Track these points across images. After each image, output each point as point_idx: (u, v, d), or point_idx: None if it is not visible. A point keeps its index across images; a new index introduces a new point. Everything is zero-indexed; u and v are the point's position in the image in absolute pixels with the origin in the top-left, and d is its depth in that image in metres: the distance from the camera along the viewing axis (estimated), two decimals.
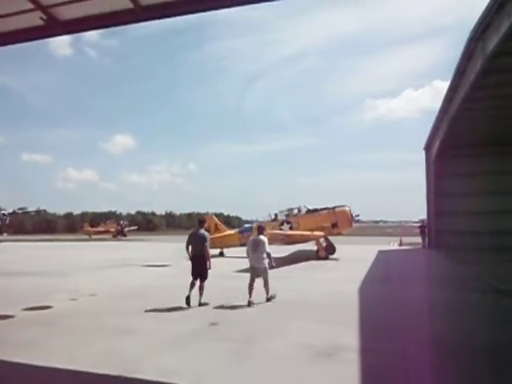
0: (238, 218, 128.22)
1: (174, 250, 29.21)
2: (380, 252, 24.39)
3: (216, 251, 21.93)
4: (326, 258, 20.48)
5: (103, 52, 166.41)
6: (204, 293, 9.73)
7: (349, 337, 6.90)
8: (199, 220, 10.71)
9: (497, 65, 15.17)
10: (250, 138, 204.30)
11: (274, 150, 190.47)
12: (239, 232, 23.64)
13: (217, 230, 24.38)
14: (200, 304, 9.56)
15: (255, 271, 9.93)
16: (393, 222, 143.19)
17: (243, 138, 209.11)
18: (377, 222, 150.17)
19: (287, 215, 22.70)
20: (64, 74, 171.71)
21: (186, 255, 10.00)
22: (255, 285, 9.94)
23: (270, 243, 10.16)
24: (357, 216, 22.54)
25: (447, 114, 21.27)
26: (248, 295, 9.68)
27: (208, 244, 9.84)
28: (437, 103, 22.66)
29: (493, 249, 22.29)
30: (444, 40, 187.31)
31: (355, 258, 21.19)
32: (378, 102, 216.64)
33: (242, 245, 22.38)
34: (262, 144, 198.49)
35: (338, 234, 22.16)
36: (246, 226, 25.37)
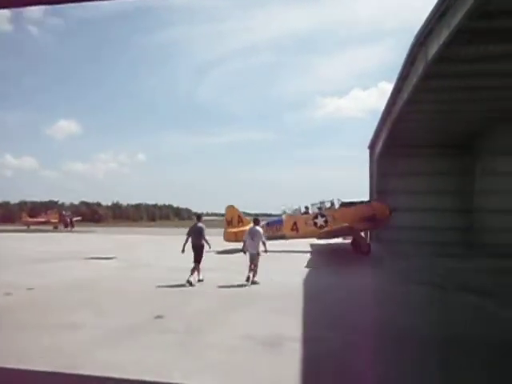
0: (188, 210, 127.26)
1: (120, 242, 28.59)
2: (312, 245, 25.03)
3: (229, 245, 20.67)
4: (369, 253, 19.58)
5: (46, 30, 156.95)
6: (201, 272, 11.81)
7: (293, 327, 7.13)
8: (197, 215, 13.17)
9: (437, 70, 16.06)
10: (204, 130, 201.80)
11: (228, 142, 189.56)
12: (266, 224, 21.96)
13: (240, 222, 22.42)
14: (199, 280, 11.69)
15: (250, 256, 11.88)
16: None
17: (196, 129, 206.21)
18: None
19: (319, 208, 22.08)
20: (1, 51, 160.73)
21: (181, 248, 11.77)
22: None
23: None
24: (394, 210, 21.38)
25: (390, 115, 22.20)
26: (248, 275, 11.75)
27: (205, 234, 11.92)
28: (382, 104, 23.63)
29: (428, 243, 23.69)
30: (390, 43, 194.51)
31: (298, 252, 21.70)
32: (328, 100, 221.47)
33: (270, 238, 20.78)
34: (215, 136, 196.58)
35: (376, 227, 21.27)
36: (274, 219, 24.11)
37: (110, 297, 9.83)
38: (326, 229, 20.88)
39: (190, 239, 11.94)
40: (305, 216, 21.91)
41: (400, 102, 19.71)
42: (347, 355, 5.85)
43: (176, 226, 51.39)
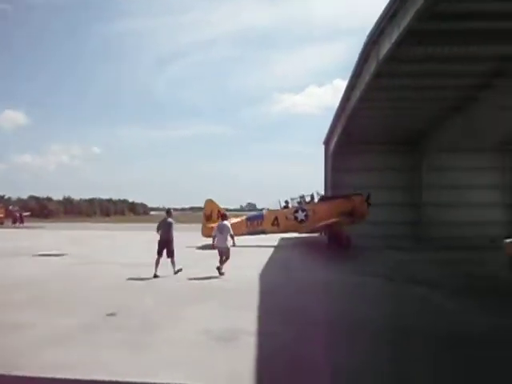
0: (144, 205, 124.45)
1: (72, 238, 27.55)
2: (282, 239, 25.43)
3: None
4: (349, 247, 19.73)
5: None
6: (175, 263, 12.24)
7: (248, 321, 7.19)
8: (167, 210, 13.39)
9: (388, 69, 16.59)
10: (163, 123, 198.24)
11: (188, 136, 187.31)
12: (247, 219, 22.02)
13: (220, 216, 22.64)
14: (175, 272, 12.08)
15: (220, 249, 12.42)
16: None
17: (155, 123, 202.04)
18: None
19: (299, 202, 22.07)
20: None
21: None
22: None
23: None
24: (368, 204, 21.73)
25: (345, 112, 22.73)
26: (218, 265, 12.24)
27: (173, 229, 12.46)
28: (337, 101, 24.14)
29: (380, 237, 24.53)
30: (346, 42, 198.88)
31: (258, 246, 21.84)
32: (285, 96, 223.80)
33: (250, 233, 21.64)
34: (173, 130, 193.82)
35: (355, 222, 21.22)
36: (254, 213, 23.98)
37: (60, 295, 9.48)
38: (306, 223, 21.00)
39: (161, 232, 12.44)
40: (285, 210, 21.89)
41: (353, 99, 20.21)
42: (301, 348, 5.96)
43: (131, 222, 50.24)
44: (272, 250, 19.82)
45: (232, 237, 12.61)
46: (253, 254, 17.80)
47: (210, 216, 21.49)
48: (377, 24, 14.41)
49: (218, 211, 21.25)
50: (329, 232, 21.86)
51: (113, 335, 6.47)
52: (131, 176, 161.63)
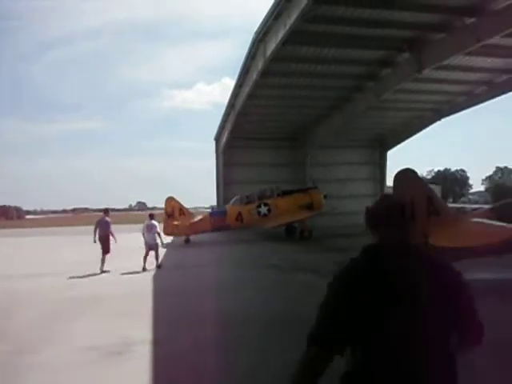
0: (18, 208, 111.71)
1: None
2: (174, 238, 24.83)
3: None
4: (310, 238, 20.86)
5: None
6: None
7: (142, 329, 6.75)
8: (105, 210, 14.33)
9: (275, 68, 17.12)
10: (37, 115, 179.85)
11: (65, 130, 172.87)
12: (210, 215, 21.01)
13: (182, 214, 21.13)
14: (102, 271, 12.68)
15: (149, 246, 13.32)
16: (187, 208, 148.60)
17: (32, 115, 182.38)
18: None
19: (260, 197, 21.73)
20: None
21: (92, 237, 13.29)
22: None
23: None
24: (324, 197, 22.58)
25: (234, 109, 23.00)
26: (143, 263, 13.02)
27: (111, 228, 13.32)
28: (226, 98, 24.28)
29: (267, 230, 25.34)
30: (233, 40, 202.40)
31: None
32: (174, 92, 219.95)
33: (215, 230, 20.96)
34: (51, 123, 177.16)
35: (312, 215, 21.75)
36: (218, 209, 22.89)
37: None
38: (269, 217, 21.07)
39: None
40: (249, 206, 21.55)
41: (242, 96, 20.51)
42: (201, 353, 5.75)
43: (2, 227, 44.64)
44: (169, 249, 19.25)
45: (159, 234, 13.66)
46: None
47: (172, 214, 21.21)
48: (263, 23, 14.73)
49: (180, 209, 21.33)
50: (287, 225, 22.36)
51: None
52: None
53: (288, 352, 5.43)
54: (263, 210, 21.46)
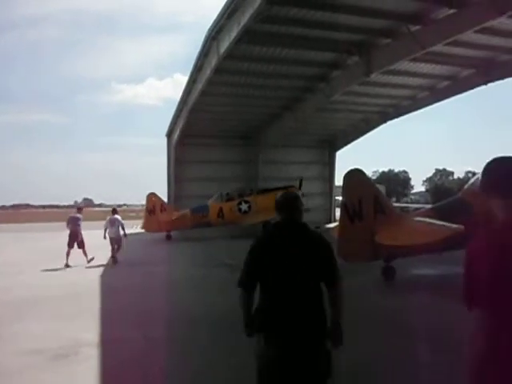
0: None
1: None
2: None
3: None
4: None
5: None
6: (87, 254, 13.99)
7: (89, 330, 6.52)
8: (77, 207, 15.86)
9: (228, 66, 17.09)
10: None
11: (4, 122, 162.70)
12: (191, 212, 20.69)
13: (164, 210, 21.54)
14: (88, 261, 13.75)
15: (113, 240, 13.98)
16: (136, 205, 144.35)
17: None
18: (120, 205, 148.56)
19: (240, 195, 21.87)
20: None
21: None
22: None
23: None
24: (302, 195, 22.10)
25: (187, 105, 22.71)
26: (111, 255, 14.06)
27: (81, 224, 14.17)
28: (178, 94, 23.90)
29: (220, 228, 25.31)
30: (186, 36, 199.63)
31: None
32: (124, 86, 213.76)
33: (196, 226, 20.75)
34: None
35: None
36: (199, 206, 22.11)
37: None
38: (249, 214, 21.13)
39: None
40: (230, 203, 21.62)
41: (195, 93, 20.29)
42: (152, 354, 5.65)
43: None
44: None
45: (123, 228, 14.16)
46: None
47: (153, 210, 21.72)
48: (216, 20, 14.64)
49: (161, 205, 21.94)
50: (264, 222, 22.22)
51: None
52: None
53: (233, 353, 5.49)
54: (244, 207, 21.97)
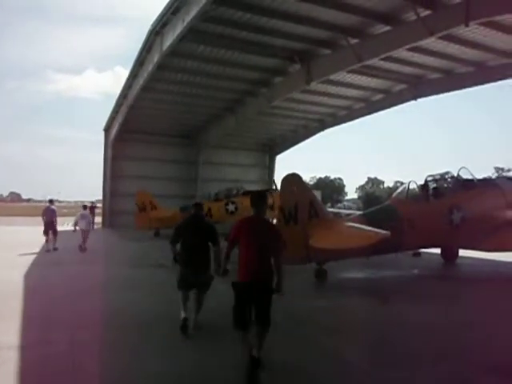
0: None
1: None
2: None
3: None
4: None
5: None
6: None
7: (9, 333, 6.11)
8: (49, 200, 17.19)
9: (170, 62, 16.85)
10: None
11: None
12: (180, 210, 20.48)
13: (154, 208, 22.14)
14: (54, 249, 15.46)
15: (83, 232, 15.66)
16: (69, 202, 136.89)
17: None
18: (51, 200, 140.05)
19: (227, 196, 22.39)
20: None
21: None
22: None
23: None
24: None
25: (127, 100, 22.04)
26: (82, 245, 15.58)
27: (56, 215, 16.07)
28: (118, 88, 23.15)
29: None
30: (129, 29, 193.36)
31: (21, 241, 19.11)
32: (60, 76, 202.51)
33: None
34: None
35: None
36: (188, 204, 20.13)
37: None
38: (236, 215, 20.96)
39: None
40: (218, 203, 21.84)
41: (136, 88, 19.77)
42: (77, 356, 5.41)
43: None
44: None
45: (92, 222, 16.10)
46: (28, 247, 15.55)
47: (144, 208, 22.23)
48: (161, 15, 14.40)
49: (151, 202, 22.39)
50: None
51: None
52: None
53: (159, 354, 5.42)
54: (231, 207, 22.45)
